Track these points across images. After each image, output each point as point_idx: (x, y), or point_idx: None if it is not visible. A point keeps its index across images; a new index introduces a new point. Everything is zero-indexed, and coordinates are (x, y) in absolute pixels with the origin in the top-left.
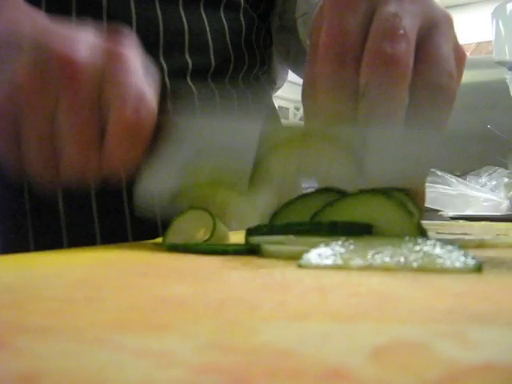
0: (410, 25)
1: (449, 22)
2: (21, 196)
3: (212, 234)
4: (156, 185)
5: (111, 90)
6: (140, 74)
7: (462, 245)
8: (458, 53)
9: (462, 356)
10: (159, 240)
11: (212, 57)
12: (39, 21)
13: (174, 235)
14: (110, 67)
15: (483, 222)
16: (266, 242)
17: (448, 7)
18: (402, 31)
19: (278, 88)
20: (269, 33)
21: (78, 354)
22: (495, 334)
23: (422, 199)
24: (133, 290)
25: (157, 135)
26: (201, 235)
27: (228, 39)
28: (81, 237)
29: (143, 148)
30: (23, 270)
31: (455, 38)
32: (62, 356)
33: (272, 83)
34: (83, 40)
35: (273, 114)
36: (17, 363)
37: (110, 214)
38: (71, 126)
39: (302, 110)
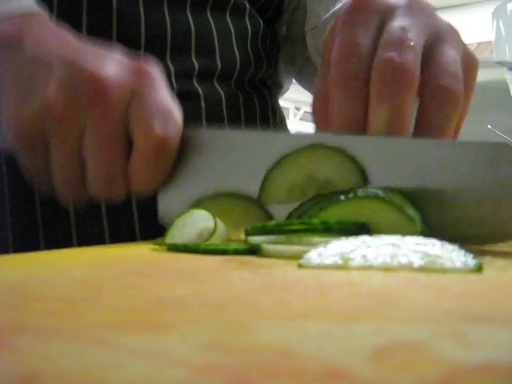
0: (416, 37)
1: (454, 32)
2: (31, 196)
3: (212, 234)
4: (178, 197)
5: (139, 106)
6: (166, 91)
7: (463, 245)
8: (469, 59)
9: (461, 356)
10: (159, 240)
11: (218, 59)
12: (67, 39)
13: (175, 235)
14: (137, 84)
15: None
16: (266, 241)
17: (448, 7)
18: (409, 43)
19: (285, 91)
20: (276, 38)
21: (78, 354)
22: (495, 334)
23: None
24: (133, 290)
25: (180, 149)
26: (201, 235)
27: (234, 42)
28: (90, 236)
29: (170, 163)
30: (23, 270)
31: (464, 46)
32: (62, 356)
33: (278, 87)
34: (110, 58)
35: (278, 117)
36: (17, 363)
37: (118, 214)
38: (99, 143)
39: (302, 110)
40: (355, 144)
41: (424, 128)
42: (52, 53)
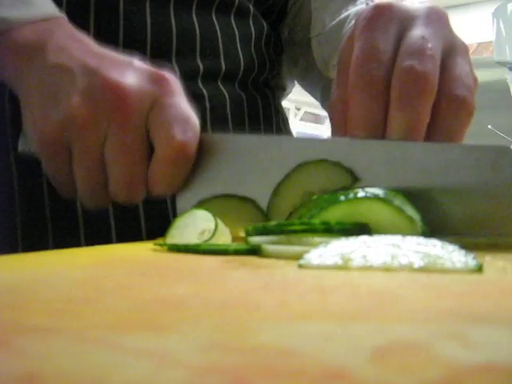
0: (435, 47)
1: (465, 46)
2: (41, 195)
3: (213, 235)
4: (196, 197)
5: (159, 114)
6: (184, 98)
7: (463, 245)
8: (473, 75)
9: (462, 356)
10: (159, 240)
11: (222, 61)
12: (87, 45)
13: (175, 235)
14: (157, 92)
15: None
16: (266, 242)
17: (448, 7)
18: (429, 52)
19: (288, 94)
20: (280, 40)
21: (77, 353)
22: (495, 334)
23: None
24: (133, 290)
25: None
26: (202, 235)
27: (238, 44)
28: (97, 236)
29: (189, 166)
30: (23, 270)
31: (470, 63)
32: (62, 356)
33: (281, 89)
34: (130, 66)
35: (281, 117)
36: (17, 363)
37: (125, 214)
38: (121, 149)
39: (302, 110)
40: (355, 151)
41: (437, 135)
42: (74, 60)
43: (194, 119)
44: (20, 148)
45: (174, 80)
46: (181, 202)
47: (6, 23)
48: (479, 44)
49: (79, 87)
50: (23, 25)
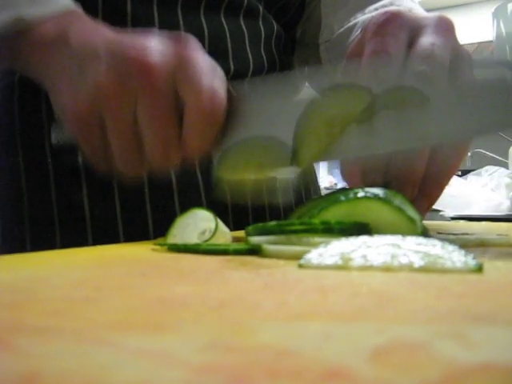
0: (444, 54)
1: (471, 57)
2: (48, 196)
3: (213, 234)
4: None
5: (184, 69)
6: (207, 69)
7: (463, 245)
8: None
9: (462, 356)
10: (160, 240)
11: (231, 62)
12: (106, 31)
13: (175, 235)
14: (178, 50)
15: (484, 223)
16: (266, 241)
17: (448, 7)
18: (439, 59)
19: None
20: (291, 41)
21: (78, 353)
22: (495, 333)
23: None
24: (133, 290)
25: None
26: (203, 235)
27: (247, 45)
28: (105, 237)
29: (221, 119)
30: (23, 270)
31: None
32: (62, 356)
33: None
34: (153, 45)
35: None
36: (17, 363)
37: (132, 214)
38: (151, 121)
39: None
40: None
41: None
42: (96, 45)
43: (219, 69)
44: (53, 140)
45: (192, 39)
46: (218, 161)
47: (25, 23)
48: (479, 44)
49: (104, 62)
50: (43, 20)
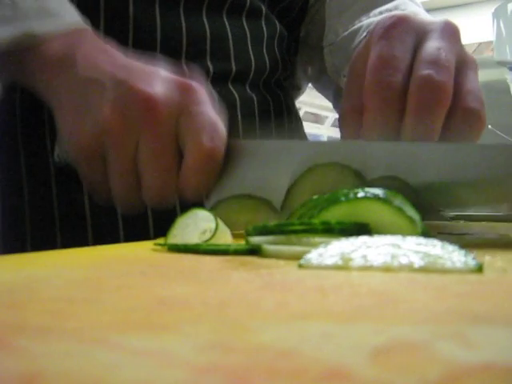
0: (450, 59)
1: (475, 63)
2: (49, 197)
3: (214, 234)
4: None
5: (188, 121)
6: (211, 105)
7: (463, 245)
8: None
9: (462, 356)
10: (160, 240)
11: (233, 62)
12: (115, 55)
13: (176, 235)
14: (184, 101)
15: (484, 222)
16: (266, 242)
17: (448, 7)
18: (445, 63)
19: (302, 92)
20: (295, 41)
21: (77, 354)
22: (495, 333)
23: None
24: (133, 290)
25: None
26: (203, 235)
27: (249, 46)
28: (105, 237)
29: (217, 171)
30: (23, 270)
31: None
32: (62, 356)
33: (295, 88)
34: (158, 75)
35: (294, 116)
36: (17, 363)
37: (133, 215)
38: (152, 156)
39: (303, 110)
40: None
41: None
42: (103, 72)
43: (221, 126)
44: (56, 158)
45: (200, 88)
46: (209, 205)
47: (35, 38)
48: (479, 44)
49: (110, 99)
50: (51, 38)
